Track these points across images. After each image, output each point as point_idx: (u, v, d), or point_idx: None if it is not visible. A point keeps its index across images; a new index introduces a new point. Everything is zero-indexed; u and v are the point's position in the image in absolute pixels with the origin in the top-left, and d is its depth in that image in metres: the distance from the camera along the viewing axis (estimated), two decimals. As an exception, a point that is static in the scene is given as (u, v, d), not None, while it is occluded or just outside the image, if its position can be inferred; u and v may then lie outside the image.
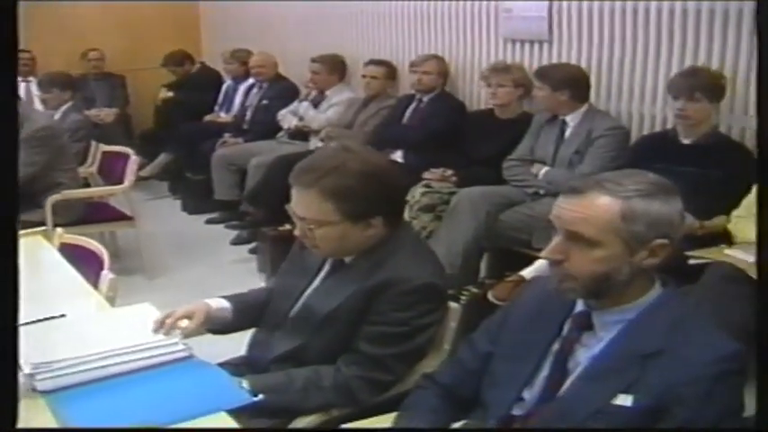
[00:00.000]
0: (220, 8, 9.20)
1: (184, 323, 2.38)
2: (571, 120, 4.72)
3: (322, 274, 2.52)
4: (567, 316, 1.96)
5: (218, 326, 2.57)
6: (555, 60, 5.15)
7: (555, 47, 5.23)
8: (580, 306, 1.95)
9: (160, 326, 2.34)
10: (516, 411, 1.94)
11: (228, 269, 5.70)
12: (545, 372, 1.93)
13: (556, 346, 1.95)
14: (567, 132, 4.73)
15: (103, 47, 8.93)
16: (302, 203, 2.34)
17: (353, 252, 2.41)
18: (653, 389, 1.74)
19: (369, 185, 2.31)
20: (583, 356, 1.90)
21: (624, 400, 1.77)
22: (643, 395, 1.75)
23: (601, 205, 1.81)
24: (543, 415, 1.88)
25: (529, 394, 1.94)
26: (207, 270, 5.65)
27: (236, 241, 6.28)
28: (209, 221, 6.96)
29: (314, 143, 6.32)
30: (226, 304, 2.58)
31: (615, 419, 1.76)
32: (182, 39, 9.19)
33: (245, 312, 2.62)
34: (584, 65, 4.93)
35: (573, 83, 4.73)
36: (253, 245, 6.01)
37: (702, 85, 4.08)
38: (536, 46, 5.36)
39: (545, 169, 4.67)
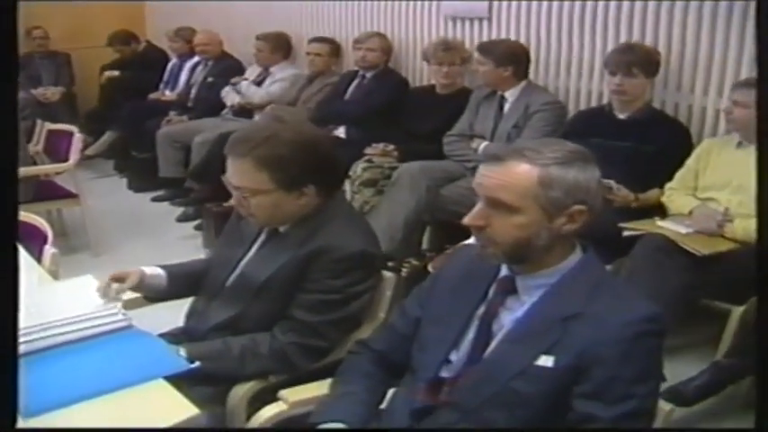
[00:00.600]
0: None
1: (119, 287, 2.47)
2: (510, 95, 4.80)
3: (257, 243, 2.57)
4: (492, 281, 2.02)
5: (153, 293, 2.64)
6: (494, 37, 5.23)
7: (494, 24, 5.32)
8: (504, 271, 2.01)
9: (100, 292, 2.43)
10: (444, 374, 1.99)
11: (174, 246, 5.71)
12: (471, 335, 1.99)
13: (481, 310, 2.00)
14: (506, 107, 4.81)
15: (48, 25, 8.82)
16: (237, 173, 2.40)
17: (288, 221, 2.47)
18: (573, 349, 1.81)
19: (301, 155, 2.37)
20: (507, 319, 1.96)
21: (546, 360, 1.83)
22: (564, 356, 1.81)
23: (520, 172, 1.86)
24: (469, 377, 1.94)
25: (456, 357, 2.00)
26: (152, 247, 5.66)
27: (182, 218, 6.30)
28: (154, 199, 6.96)
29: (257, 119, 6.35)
30: (160, 271, 2.65)
31: (538, 379, 1.83)
32: (126, 17, 9.14)
33: (180, 280, 2.69)
34: (522, 41, 5.01)
35: (515, 59, 4.81)
36: (198, 221, 6.03)
37: (639, 60, 4.17)
38: (476, 23, 5.43)
39: (484, 144, 4.76)
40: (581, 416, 1.78)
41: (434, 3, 5.75)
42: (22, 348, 2.12)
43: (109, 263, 5.28)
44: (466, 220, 1.94)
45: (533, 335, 1.88)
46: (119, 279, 2.49)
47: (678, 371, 3.34)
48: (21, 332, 2.14)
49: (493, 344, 1.95)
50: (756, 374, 1.33)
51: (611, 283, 1.98)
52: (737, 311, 3.48)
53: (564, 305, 1.88)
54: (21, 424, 1.78)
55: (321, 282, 2.37)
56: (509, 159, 1.89)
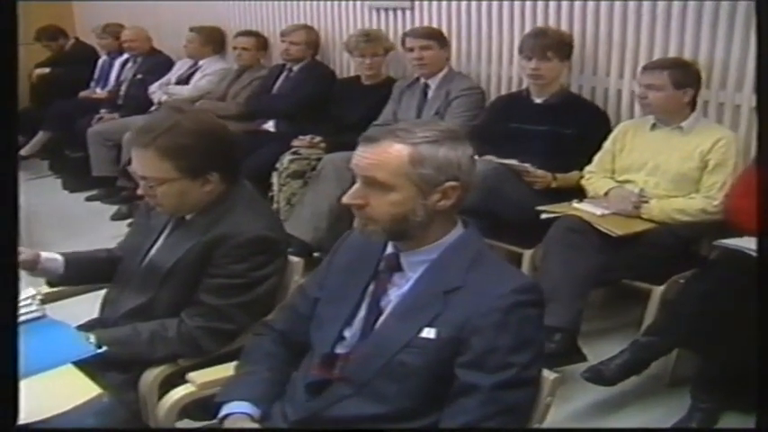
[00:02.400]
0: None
1: None
2: (432, 82, 4.88)
3: (165, 231, 2.64)
4: (381, 259, 2.11)
5: (50, 276, 2.70)
6: (417, 26, 5.30)
7: (417, 13, 5.40)
8: (390, 249, 2.10)
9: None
10: (339, 350, 2.07)
11: (110, 244, 5.69)
12: (363, 312, 2.08)
13: (371, 287, 2.09)
14: (429, 94, 4.89)
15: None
16: (142, 163, 2.45)
17: (194, 209, 2.53)
18: (453, 321, 1.90)
19: (203, 143, 2.43)
20: (394, 295, 2.05)
21: (428, 332, 1.92)
22: (445, 328, 1.90)
23: (392, 152, 1.95)
24: (360, 351, 2.02)
25: (349, 333, 2.08)
26: (88, 246, 5.59)
27: (116, 216, 6.31)
28: (88, 198, 6.94)
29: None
30: (57, 257, 2.71)
31: (422, 351, 1.91)
32: (54, 14, 9.04)
33: (79, 266, 2.75)
34: (444, 30, 5.09)
35: (445, 42, 4.91)
36: (132, 219, 6.03)
37: (553, 44, 4.26)
38: (399, 13, 5.51)
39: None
40: (463, 385, 1.87)
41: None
42: None
43: None
44: (344, 199, 2.05)
45: (417, 309, 1.97)
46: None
47: (604, 352, 3.41)
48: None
49: (381, 319, 2.04)
50: (757, 374, 1.39)
51: (490, 257, 2.07)
52: (657, 291, 3.59)
53: (445, 279, 1.97)
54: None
55: (225, 267, 2.43)
56: (383, 140, 1.97)
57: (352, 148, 4.88)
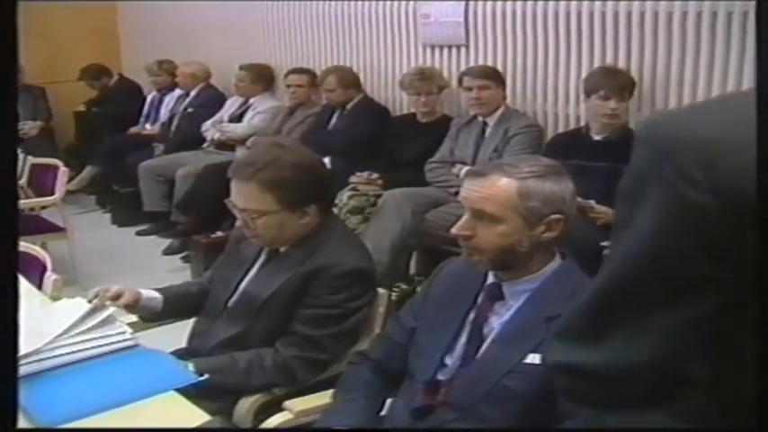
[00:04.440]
0: (139, 18, 9.23)
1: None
2: (490, 120, 4.92)
3: (258, 263, 2.70)
4: (480, 288, 2.19)
5: (148, 314, 2.75)
6: (472, 64, 5.35)
7: (472, 51, 5.45)
8: (491, 278, 2.18)
9: (95, 296, 2.51)
10: (440, 377, 2.14)
11: (162, 278, 5.71)
12: (463, 339, 2.15)
13: (472, 316, 2.16)
14: (487, 132, 4.93)
15: (22, 59, 8.82)
16: (243, 195, 2.53)
17: (291, 240, 2.59)
18: None
19: (303, 176, 2.52)
20: (495, 323, 2.12)
21: (533, 358, 1.98)
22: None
23: (500, 185, 2.05)
24: (464, 377, 2.09)
25: (450, 360, 2.15)
26: (141, 280, 5.59)
27: (169, 251, 6.36)
28: (139, 233, 7.00)
29: (240, 152, 6.40)
30: (156, 294, 2.76)
31: (527, 376, 1.97)
32: (101, 51, 9.21)
33: (176, 302, 2.81)
34: (499, 68, 5.14)
35: (501, 81, 4.96)
36: (185, 253, 6.10)
37: (628, 83, 4.30)
38: (453, 50, 5.57)
39: (465, 169, 4.86)
40: (567, 408, 1.89)
41: (412, 31, 5.87)
42: (32, 368, 2.21)
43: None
44: (453, 230, 2.12)
45: (520, 335, 2.04)
46: (115, 297, 2.57)
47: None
48: (30, 353, 2.23)
49: (484, 346, 2.11)
50: (757, 374, 1.39)
51: (586, 285, 2.10)
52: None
53: (547, 307, 2.03)
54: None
55: (321, 297, 2.49)
56: (491, 174, 2.07)
57: (410, 184, 5.00)
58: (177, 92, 7.86)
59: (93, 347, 2.33)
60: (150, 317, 2.78)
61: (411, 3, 5.81)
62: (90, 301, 2.47)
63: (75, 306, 2.52)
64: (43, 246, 5.64)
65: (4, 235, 1.36)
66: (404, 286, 4.68)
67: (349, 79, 6.01)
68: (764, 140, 0.82)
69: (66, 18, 9.17)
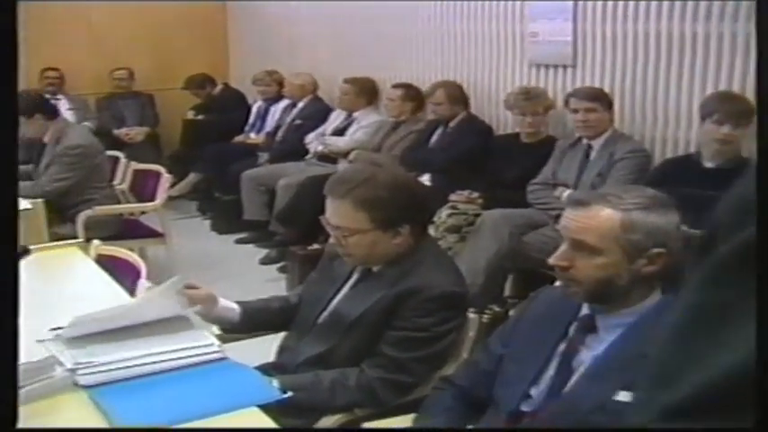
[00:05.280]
0: (248, 27, 9.36)
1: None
2: (595, 143, 4.80)
3: (351, 282, 2.67)
4: (573, 319, 2.12)
5: (224, 324, 2.74)
6: (579, 84, 5.24)
7: (579, 71, 5.33)
8: (585, 310, 2.11)
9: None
10: (525, 408, 2.09)
11: (257, 288, 5.76)
12: (551, 371, 2.09)
13: (562, 347, 2.10)
14: (592, 155, 4.81)
15: (132, 66, 9.06)
16: (336, 213, 2.52)
17: (382, 260, 2.56)
18: None
19: (397, 196, 2.50)
20: (586, 356, 2.05)
21: (625, 396, 1.90)
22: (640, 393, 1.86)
23: (603, 216, 1.99)
24: (550, 410, 2.03)
25: (536, 391, 2.09)
26: (236, 288, 5.65)
27: (266, 261, 6.39)
28: (238, 241, 7.05)
29: (342, 165, 6.40)
30: (234, 306, 2.76)
31: (616, 414, 1.88)
32: (209, 58, 9.36)
33: (254, 316, 2.79)
34: (607, 89, 5.01)
35: (609, 104, 4.84)
36: (281, 264, 6.12)
37: (746, 110, 4.13)
38: (560, 70, 5.46)
39: (568, 192, 4.75)
40: None
41: (519, 50, 5.78)
42: (118, 375, 2.22)
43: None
44: (551, 260, 2.08)
45: (613, 372, 1.96)
46: (192, 287, 2.62)
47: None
48: (118, 359, 2.24)
49: (573, 379, 2.05)
50: (756, 374, 1.34)
51: None
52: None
53: (643, 344, 1.92)
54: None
55: (411, 320, 2.45)
56: (593, 204, 2.02)
57: (510, 205, 4.91)
58: (284, 102, 7.94)
59: (180, 358, 2.33)
60: (227, 327, 2.76)
61: (519, 21, 5.72)
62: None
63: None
64: (142, 251, 5.79)
65: (4, 236, 1.34)
66: (496, 309, 4.59)
67: (457, 95, 5.95)
68: (765, 140, 0.77)
69: (177, 26, 9.34)
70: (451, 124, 5.90)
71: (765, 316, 0.76)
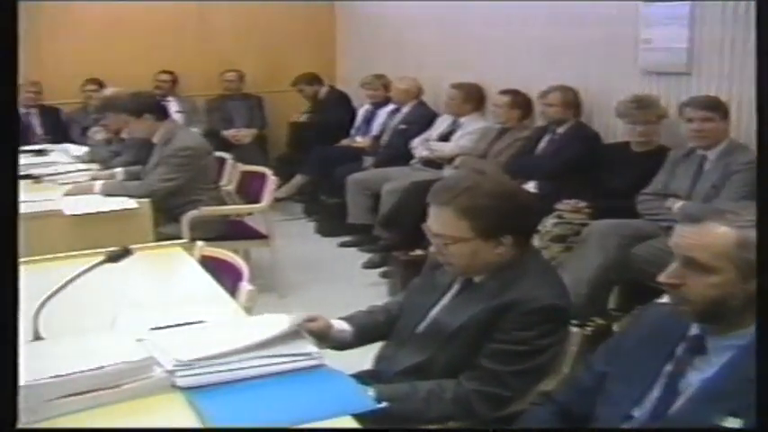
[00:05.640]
0: (356, 30, 9.42)
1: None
2: (710, 154, 4.64)
3: (451, 292, 2.62)
4: (682, 339, 2.05)
5: (336, 345, 2.70)
6: (694, 93, 5.06)
7: (694, 79, 5.16)
8: (695, 330, 2.03)
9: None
10: (626, 428, 2.03)
11: (359, 292, 5.77)
12: (656, 392, 2.02)
13: (668, 368, 2.03)
14: (707, 166, 4.65)
15: (241, 68, 9.22)
16: (438, 220, 2.48)
17: (483, 270, 2.51)
18: None
19: (501, 205, 2.44)
20: (694, 379, 1.98)
21: (733, 422, 1.84)
22: (752, 419, 1.78)
23: (717, 233, 1.92)
24: None
25: (639, 413, 2.03)
26: (338, 292, 5.74)
27: (368, 265, 6.38)
28: (342, 244, 7.07)
29: (447, 171, 6.37)
30: (347, 327, 2.72)
31: None
32: (317, 62, 9.42)
33: (364, 334, 2.77)
34: (724, 98, 4.82)
35: (726, 114, 4.68)
36: (384, 269, 6.10)
37: None
38: (674, 78, 5.29)
39: (680, 203, 4.60)
40: None
41: (631, 57, 5.63)
42: (215, 378, 2.23)
43: (294, 305, 5.36)
44: (661, 278, 2.00)
45: (722, 396, 1.89)
46: (308, 320, 2.57)
47: None
48: (217, 362, 2.25)
49: (678, 402, 1.98)
50: (756, 374, 1.30)
51: None
52: None
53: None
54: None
55: (511, 333, 2.39)
56: (707, 220, 1.95)
57: (619, 215, 4.78)
58: (390, 106, 7.94)
59: (279, 363, 2.33)
60: (339, 347, 2.73)
61: (632, 27, 5.57)
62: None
63: (274, 322, 2.52)
64: (245, 252, 5.84)
65: (3, 239, 1.33)
66: (600, 321, 4.47)
67: (570, 100, 5.85)
68: (765, 140, 0.72)
69: (285, 27, 9.44)
70: (559, 131, 5.80)
71: (765, 315, 0.71)
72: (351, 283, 6.02)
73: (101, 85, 8.47)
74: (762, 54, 0.74)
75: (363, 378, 2.57)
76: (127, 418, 2.10)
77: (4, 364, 1.34)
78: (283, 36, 9.43)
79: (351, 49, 9.59)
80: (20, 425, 2.01)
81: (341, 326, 2.71)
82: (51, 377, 2.11)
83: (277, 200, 7.20)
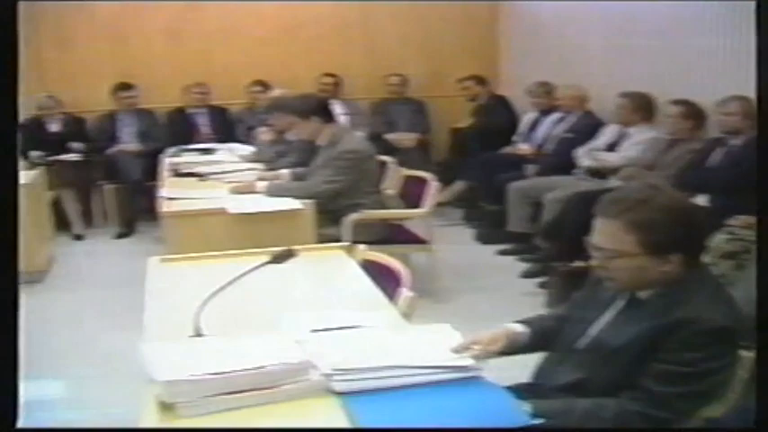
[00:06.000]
0: (519, 31, 9.31)
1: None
2: None
3: (615, 308, 2.53)
4: None
5: (511, 350, 2.63)
6: None
7: None
8: None
9: (464, 350, 2.44)
10: None
11: (516, 301, 5.70)
12: None
13: None
14: None
15: (404, 71, 9.28)
16: (604, 233, 2.41)
17: (645, 287, 2.43)
18: None
19: (674, 222, 2.36)
20: None
21: None
22: None
23: None
24: None
25: None
26: (493, 300, 5.70)
27: (526, 274, 6.30)
28: (500, 252, 7.01)
29: (612, 182, 6.21)
30: (524, 330, 2.66)
31: None
32: (479, 65, 9.35)
33: (540, 339, 2.69)
34: None
35: None
36: (542, 279, 6.01)
37: None
38: None
39: None
40: None
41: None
42: (372, 384, 2.24)
43: (449, 312, 5.34)
44: None
45: None
46: (489, 343, 2.51)
47: None
48: (375, 369, 2.26)
49: None
50: (756, 374, 1.19)
51: None
52: None
53: None
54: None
55: (676, 353, 2.29)
56: None
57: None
58: (555, 115, 7.83)
59: (436, 374, 2.31)
60: (510, 352, 2.65)
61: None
62: (458, 351, 2.43)
63: (438, 335, 2.52)
64: (404, 256, 5.84)
65: (4, 244, 1.32)
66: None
67: (749, 110, 5.58)
68: (765, 140, 0.63)
69: (447, 30, 9.48)
70: (735, 142, 5.57)
71: (765, 314, 0.66)
72: (507, 292, 5.95)
73: (266, 86, 8.73)
74: (762, 55, 0.69)
75: (520, 392, 2.52)
76: (280, 419, 2.13)
77: (4, 364, 1.35)
78: (445, 38, 9.45)
79: (513, 51, 9.48)
80: (181, 418, 2.08)
81: (518, 328, 2.65)
82: (213, 374, 2.17)
83: (438, 205, 7.22)
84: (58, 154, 8.22)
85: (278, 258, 2.83)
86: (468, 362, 2.37)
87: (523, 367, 2.72)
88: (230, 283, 2.65)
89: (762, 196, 1.01)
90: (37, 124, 8.48)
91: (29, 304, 5.88)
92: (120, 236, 8.21)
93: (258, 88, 8.86)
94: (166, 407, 2.16)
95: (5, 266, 1.37)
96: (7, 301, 1.37)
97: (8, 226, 1.42)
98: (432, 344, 2.46)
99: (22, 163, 7.91)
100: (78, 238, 8.18)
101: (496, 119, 8.63)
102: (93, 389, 4.36)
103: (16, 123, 1.50)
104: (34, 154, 8.03)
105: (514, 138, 8.27)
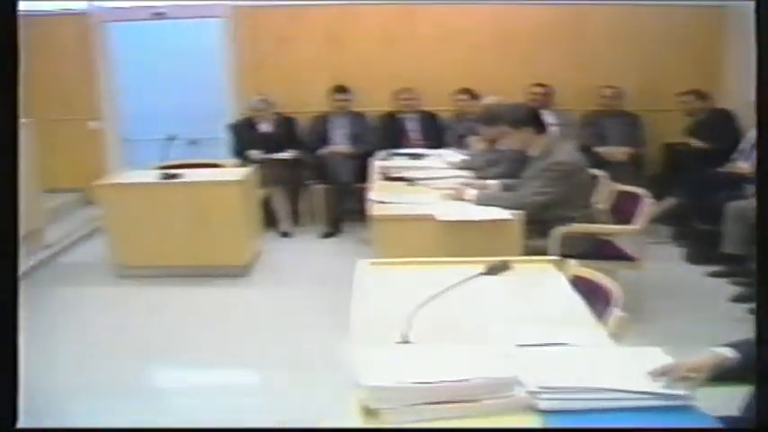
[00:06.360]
0: (744, 41, 8.82)
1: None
2: None
3: None
4: None
5: (719, 374, 2.51)
6: None
7: None
8: None
9: (662, 374, 2.38)
10: None
11: (719, 325, 5.48)
12: None
13: None
14: None
15: (619, 84, 9.06)
16: None
17: None
18: None
19: None
20: None
21: None
22: None
23: None
24: None
25: None
26: (696, 322, 5.51)
27: (737, 298, 6.07)
28: (711, 274, 6.77)
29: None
30: (731, 354, 2.52)
31: None
32: (700, 77, 9.01)
33: (749, 363, 2.52)
34: None
35: None
36: (754, 305, 5.76)
37: None
38: None
39: None
40: None
41: None
42: (578, 405, 2.24)
43: (654, 332, 5.08)
44: None
45: None
46: (693, 370, 2.42)
47: None
48: (582, 390, 2.26)
49: None
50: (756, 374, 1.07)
51: None
52: None
53: None
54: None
55: None
56: None
57: None
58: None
59: (645, 399, 2.28)
60: (718, 378, 2.51)
61: None
62: (656, 375, 2.39)
63: (647, 358, 2.47)
64: (611, 274, 5.72)
65: (3, 247, 1.33)
66: None
67: None
68: (765, 140, 0.57)
69: (668, 42, 9.18)
70: None
71: (765, 313, 0.61)
72: (713, 316, 5.72)
73: (472, 95, 8.77)
74: (762, 55, 0.64)
75: (732, 422, 2.46)
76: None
77: (4, 364, 1.37)
78: (663, 49, 9.16)
79: (739, 61, 9.01)
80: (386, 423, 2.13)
81: (726, 354, 2.51)
82: (418, 383, 2.21)
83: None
84: (269, 153, 8.58)
85: (493, 270, 2.86)
86: (682, 391, 2.31)
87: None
88: (445, 291, 2.70)
89: (762, 197, 0.94)
90: (249, 124, 8.89)
91: (231, 295, 6.13)
92: (326, 235, 8.48)
93: (464, 96, 8.93)
94: (370, 412, 2.21)
95: (4, 269, 1.43)
96: (7, 302, 1.42)
97: (8, 226, 1.48)
98: (642, 367, 2.41)
99: (235, 161, 8.32)
100: (285, 235, 8.52)
101: (715, 135, 8.28)
102: (289, 383, 4.53)
103: (16, 123, 1.56)
104: (252, 152, 8.42)
105: (734, 156, 7.95)
